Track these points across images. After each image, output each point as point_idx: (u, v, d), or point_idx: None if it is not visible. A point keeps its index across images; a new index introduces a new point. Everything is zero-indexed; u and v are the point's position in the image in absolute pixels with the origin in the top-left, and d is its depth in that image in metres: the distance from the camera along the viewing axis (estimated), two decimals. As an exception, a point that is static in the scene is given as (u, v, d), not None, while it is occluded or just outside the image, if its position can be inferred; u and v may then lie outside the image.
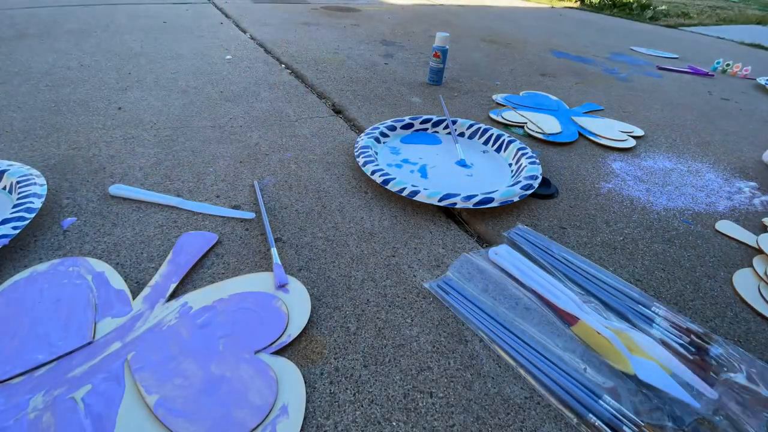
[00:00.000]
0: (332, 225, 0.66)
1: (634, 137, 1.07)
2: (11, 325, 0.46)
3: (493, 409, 0.43)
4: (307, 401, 0.42)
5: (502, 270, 0.59)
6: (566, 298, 0.54)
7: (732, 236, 0.73)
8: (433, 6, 2.86)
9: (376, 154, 0.84)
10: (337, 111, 1.08)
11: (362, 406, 0.42)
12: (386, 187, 0.72)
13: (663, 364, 0.47)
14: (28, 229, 0.60)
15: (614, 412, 0.42)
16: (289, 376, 0.43)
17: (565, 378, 0.45)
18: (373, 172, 0.75)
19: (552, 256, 0.62)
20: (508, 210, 0.73)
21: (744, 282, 0.63)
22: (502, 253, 0.61)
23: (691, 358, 0.49)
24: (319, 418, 0.41)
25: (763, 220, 0.78)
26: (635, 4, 3.63)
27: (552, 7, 3.62)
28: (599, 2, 3.77)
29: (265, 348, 0.45)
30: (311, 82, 1.23)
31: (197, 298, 0.51)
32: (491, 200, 0.70)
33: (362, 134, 0.89)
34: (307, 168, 0.81)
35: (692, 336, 0.51)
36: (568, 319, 0.52)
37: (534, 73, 1.56)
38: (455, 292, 0.54)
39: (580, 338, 0.50)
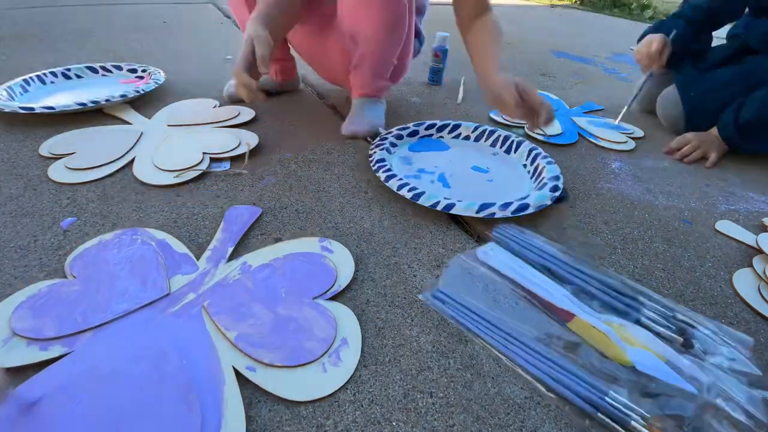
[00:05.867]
0: (332, 225, 0.66)
1: (634, 138, 1.07)
2: (92, 284, 0.51)
3: (493, 409, 0.43)
4: (308, 400, 0.42)
5: (493, 269, 0.58)
6: (560, 294, 0.54)
7: (732, 236, 0.73)
8: (433, 6, 2.85)
9: (391, 165, 0.80)
10: (338, 111, 1.08)
11: (362, 406, 0.42)
12: (417, 202, 0.68)
13: (658, 353, 0.47)
14: (28, 228, 0.60)
15: (618, 405, 0.42)
16: (345, 316, 0.50)
17: (565, 375, 0.45)
18: (399, 188, 0.71)
19: (532, 251, 0.62)
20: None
21: (744, 282, 0.63)
22: (488, 252, 0.61)
23: (681, 340, 0.50)
24: (319, 418, 0.41)
25: (763, 220, 0.78)
26: (635, 4, 3.63)
27: (552, 6, 3.62)
28: (599, 2, 3.77)
29: (320, 295, 0.53)
30: (311, 81, 1.23)
31: (254, 257, 0.58)
32: (527, 207, 0.68)
33: (372, 145, 0.85)
34: (307, 168, 0.81)
35: (679, 321, 0.52)
36: (564, 316, 0.52)
37: (534, 73, 1.56)
38: (449, 299, 0.54)
39: (577, 334, 0.50)
